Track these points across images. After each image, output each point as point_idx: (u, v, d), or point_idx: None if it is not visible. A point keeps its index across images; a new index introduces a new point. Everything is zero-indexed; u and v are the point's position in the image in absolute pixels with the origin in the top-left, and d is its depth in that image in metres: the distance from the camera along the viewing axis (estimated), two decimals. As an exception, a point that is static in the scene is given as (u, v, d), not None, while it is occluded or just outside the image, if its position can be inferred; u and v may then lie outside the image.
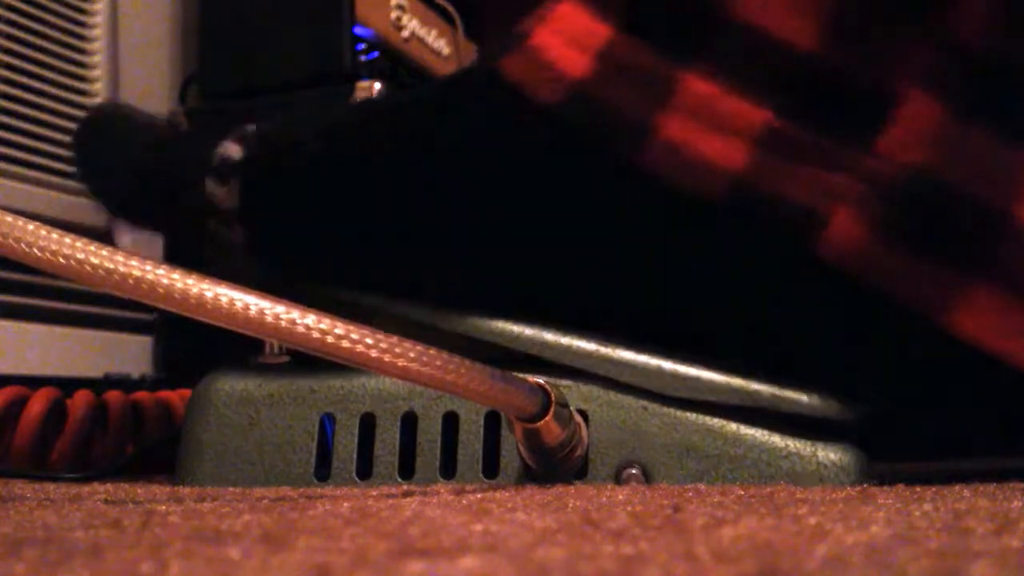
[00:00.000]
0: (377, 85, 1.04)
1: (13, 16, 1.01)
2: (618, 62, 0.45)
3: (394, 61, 1.13)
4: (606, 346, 0.45)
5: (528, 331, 0.47)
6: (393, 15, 1.14)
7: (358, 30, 1.08)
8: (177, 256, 1.00)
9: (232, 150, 0.52)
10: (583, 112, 0.45)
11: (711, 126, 0.43)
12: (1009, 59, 0.42)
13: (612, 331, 0.46)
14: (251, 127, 0.54)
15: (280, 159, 0.52)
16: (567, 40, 0.46)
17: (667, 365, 0.45)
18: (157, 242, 1.05)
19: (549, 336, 0.46)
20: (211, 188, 0.51)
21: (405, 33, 1.16)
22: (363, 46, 1.09)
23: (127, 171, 0.56)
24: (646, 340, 0.46)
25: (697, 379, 0.44)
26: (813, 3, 0.43)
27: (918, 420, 0.46)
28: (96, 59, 1.10)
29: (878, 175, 0.42)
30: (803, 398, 0.43)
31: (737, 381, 0.44)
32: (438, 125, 0.49)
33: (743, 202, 0.43)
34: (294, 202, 0.51)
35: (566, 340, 0.46)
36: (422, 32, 1.19)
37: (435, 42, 1.23)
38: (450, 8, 1.26)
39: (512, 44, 0.48)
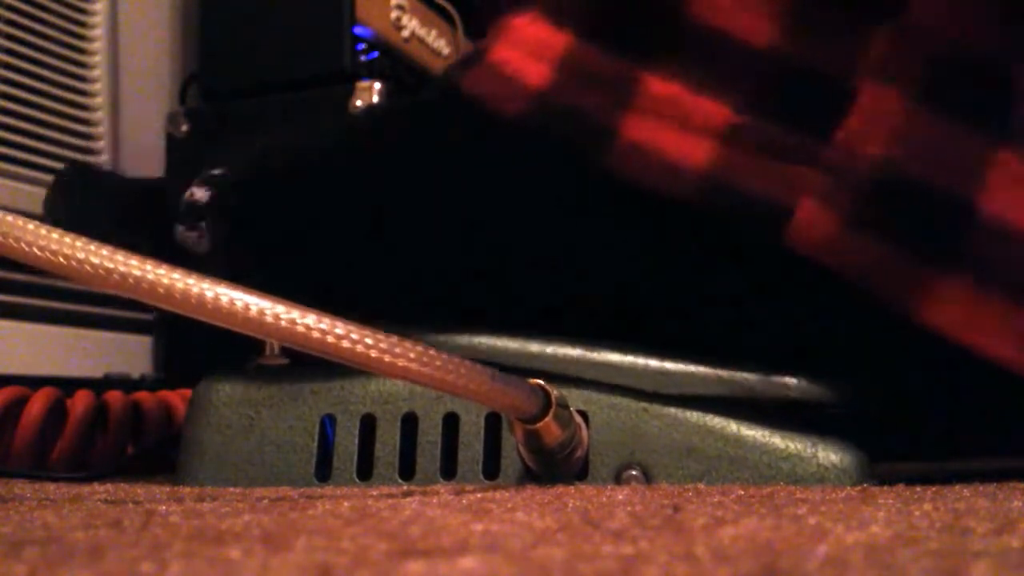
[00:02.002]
0: (377, 85, 1.04)
1: (13, 16, 1.01)
2: (578, 68, 0.45)
3: (394, 61, 1.13)
4: (592, 351, 0.46)
5: (512, 344, 0.47)
6: (393, 15, 1.14)
7: (358, 30, 1.08)
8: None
9: (199, 195, 0.52)
10: (547, 121, 0.45)
11: (674, 125, 0.44)
12: (971, 49, 0.42)
13: (597, 335, 0.46)
14: (217, 171, 0.54)
15: (249, 201, 0.52)
16: (525, 52, 0.47)
17: (654, 363, 0.45)
18: (157, 242, 1.05)
19: (534, 347, 0.47)
20: (181, 235, 0.52)
21: (405, 33, 1.16)
22: (363, 46, 1.09)
23: (95, 225, 0.56)
24: (631, 342, 0.46)
25: (686, 374, 0.45)
26: (769, 2, 0.43)
27: (908, 415, 0.46)
28: (96, 59, 1.10)
29: (839, 167, 0.42)
30: (792, 381, 0.44)
31: (725, 372, 0.44)
32: (407, 150, 0.50)
33: (709, 198, 0.43)
34: (266, 238, 0.52)
35: (551, 349, 0.46)
36: (422, 32, 1.19)
37: (435, 42, 1.23)
38: (450, 8, 1.26)
39: (472, 61, 0.49)
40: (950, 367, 0.42)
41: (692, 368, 0.45)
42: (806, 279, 0.43)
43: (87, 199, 0.58)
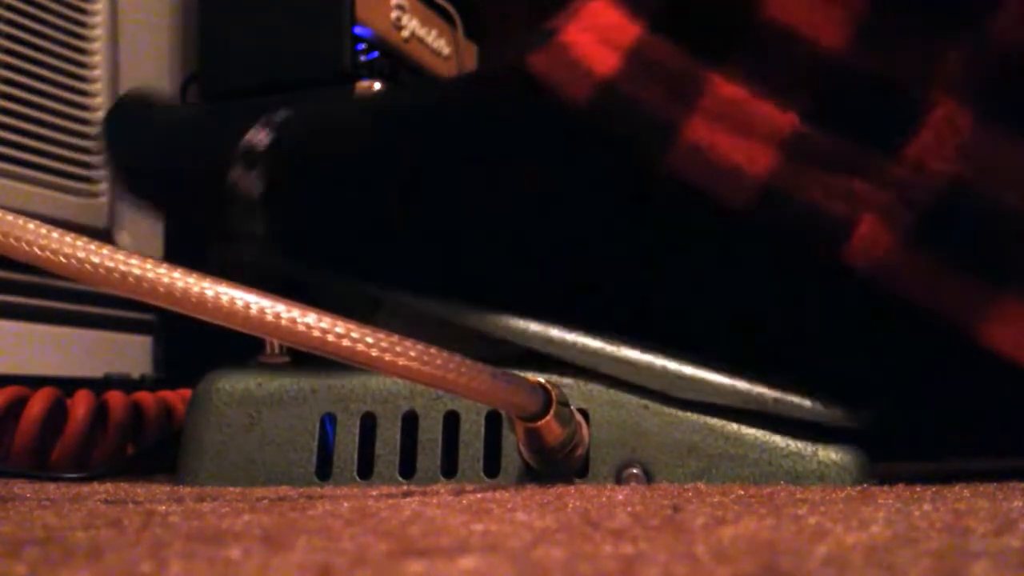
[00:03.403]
0: (377, 85, 1.04)
1: (13, 16, 1.01)
2: (647, 61, 0.44)
3: (394, 61, 1.13)
4: (612, 344, 0.45)
5: (534, 327, 0.46)
6: (393, 15, 1.14)
7: (358, 30, 1.08)
8: (180, 253, 1.00)
9: (260, 137, 0.51)
10: (610, 111, 0.44)
11: (737, 129, 0.43)
12: None
13: (622, 330, 0.46)
14: (280, 113, 0.53)
15: (310, 148, 0.52)
16: (597, 37, 0.46)
17: (672, 365, 0.44)
18: (157, 241, 1.05)
19: (555, 332, 0.46)
20: (236, 176, 0.51)
21: (405, 33, 1.16)
22: (363, 46, 1.09)
23: (152, 154, 0.56)
24: (656, 341, 0.46)
25: (702, 380, 0.44)
26: (844, 5, 0.42)
27: (929, 425, 0.46)
28: (96, 59, 1.10)
29: (906, 183, 0.41)
30: (806, 403, 0.43)
31: (742, 384, 0.44)
32: (468, 120, 0.49)
33: (768, 207, 0.42)
34: (322, 192, 0.51)
35: (571, 337, 0.46)
36: (422, 32, 1.19)
37: (435, 42, 1.23)
38: (450, 8, 1.26)
39: (540, 40, 0.47)
40: (1006, 387, 0.42)
41: (710, 376, 0.44)
42: (853, 297, 0.43)
43: (145, 127, 0.58)
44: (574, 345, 0.46)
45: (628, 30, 0.45)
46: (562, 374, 0.45)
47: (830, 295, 0.43)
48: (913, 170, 0.41)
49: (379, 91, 0.98)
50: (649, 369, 0.45)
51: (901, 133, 0.42)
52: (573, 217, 0.46)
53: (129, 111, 0.60)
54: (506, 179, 0.47)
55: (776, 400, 0.43)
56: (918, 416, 0.46)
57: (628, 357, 0.45)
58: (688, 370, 0.44)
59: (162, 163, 0.56)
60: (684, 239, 0.45)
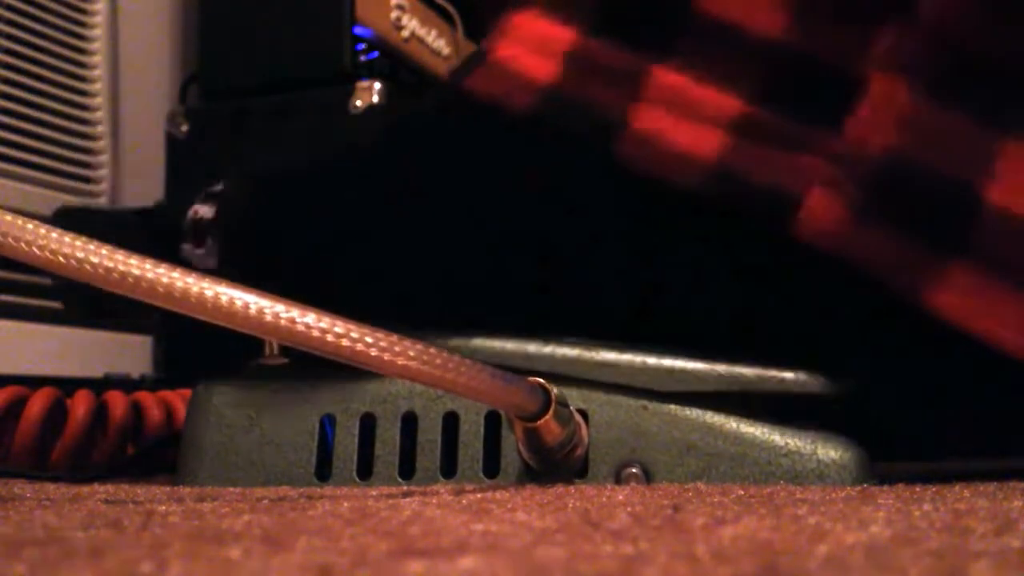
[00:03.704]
0: (377, 85, 1.04)
1: (13, 16, 1.01)
2: (586, 62, 0.46)
3: (394, 61, 1.13)
4: (590, 350, 0.46)
5: (509, 345, 0.47)
6: (393, 15, 1.14)
7: (358, 30, 1.08)
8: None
9: (203, 212, 0.52)
10: (557, 113, 0.45)
11: (683, 115, 0.44)
12: (981, 41, 0.42)
13: (597, 332, 0.46)
14: (218, 186, 0.54)
15: (253, 214, 0.53)
16: (530, 48, 0.47)
17: (651, 360, 0.45)
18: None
19: (531, 348, 0.47)
20: (188, 251, 0.52)
21: (405, 33, 1.16)
22: (363, 46, 1.09)
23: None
24: (631, 338, 0.46)
25: (683, 370, 0.45)
26: None
27: (905, 407, 0.46)
28: (96, 59, 1.10)
29: (848, 156, 0.42)
30: (788, 375, 0.44)
31: (721, 367, 0.44)
32: (414, 156, 0.50)
33: (719, 188, 0.43)
34: (273, 250, 0.52)
35: (548, 349, 0.46)
36: (422, 32, 1.19)
37: (435, 42, 1.23)
38: (450, 8, 1.26)
39: (475, 62, 0.49)
40: (955, 355, 0.42)
41: (690, 364, 0.45)
42: (810, 270, 0.43)
43: (90, 227, 0.58)
44: (552, 356, 0.46)
45: (561, 36, 0.46)
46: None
47: (786, 271, 0.44)
48: (855, 144, 0.42)
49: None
50: (629, 366, 0.45)
51: (841, 109, 0.43)
52: (537, 221, 0.47)
53: (71, 216, 0.61)
54: (460, 202, 0.48)
55: (758, 376, 0.44)
56: (887, 389, 0.46)
57: (607, 360, 0.46)
58: (667, 362, 0.45)
59: None
60: (644, 229, 0.46)
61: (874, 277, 0.42)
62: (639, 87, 0.44)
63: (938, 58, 0.42)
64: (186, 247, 0.52)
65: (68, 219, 0.60)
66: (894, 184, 0.42)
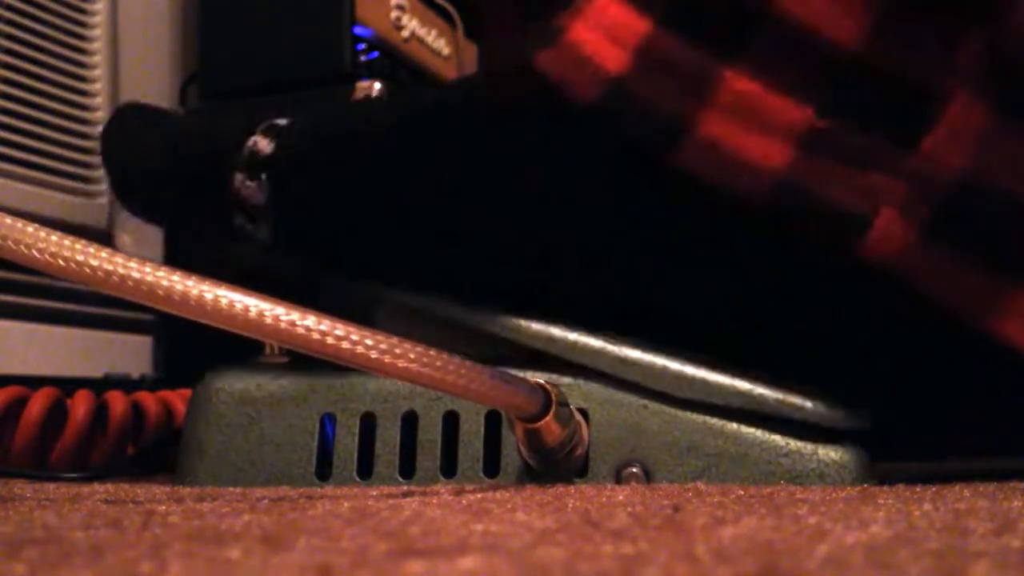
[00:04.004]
0: (377, 85, 1.04)
1: (13, 16, 1.01)
2: (657, 58, 0.44)
3: (394, 61, 1.13)
4: (613, 344, 0.45)
5: (536, 326, 0.46)
6: (393, 15, 1.14)
7: (358, 30, 1.08)
8: (178, 256, 1.00)
9: (262, 144, 0.51)
10: (621, 109, 0.44)
11: (752, 124, 0.42)
12: None
13: (630, 329, 0.46)
14: (281, 120, 0.53)
15: (316, 155, 0.51)
16: (605, 35, 0.45)
17: (674, 365, 0.44)
18: (157, 244, 1.05)
19: (556, 331, 0.46)
20: (239, 183, 0.51)
21: (405, 33, 1.16)
22: (363, 46, 1.09)
23: (152, 162, 0.56)
24: (664, 339, 0.45)
25: (703, 381, 0.44)
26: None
27: (931, 425, 0.46)
28: (96, 59, 1.10)
29: (922, 176, 0.41)
30: (808, 404, 0.43)
31: (743, 384, 0.44)
32: (477, 121, 0.48)
33: (784, 202, 0.42)
34: (326, 197, 0.51)
35: (573, 336, 0.46)
36: (422, 32, 1.19)
37: (435, 42, 1.23)
38: (450, 8, 1.26)
39: (547, 38, 0.47)
40: (1012, 382, 0.42)
41: (712, 376, 0.44)
42: (867, 291, 0.42)
43: (146, 135, 0.57)
44: (575, 344, 0.46)
45: (636, 27, 0.44)
46: (561, 374, 0.45)
47: (842, 291, 0.43)
48: (929, 163, 0.41)
49: (381, 96, 0.97)
50: (651, 369, 0.45)
51: (917, 127, 0.41)
52: (582, 215, 0.46)
53: (128, 121, 0.60)
54: (515, 178, 0.47)
55: (778, 401, 0.43)
56: (922, 416, 0.46)
57: (630, 357, 0.45)
58: (690, 370, 0.44)
59: (162, 171, 0.55)
60: (695, 236, 0.45)
61: (938, 302, 0.41)
62: (709, 91, 0.43)
63: (1020, 78, 0.41)
64: (238, 176, 0.51)
65: (121, 123, 0.60)
66: (966, 206, 0.41)
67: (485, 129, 0.48)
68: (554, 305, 0.47)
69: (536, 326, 0.46)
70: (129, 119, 0.60)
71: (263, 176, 0.50)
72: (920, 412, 0.46)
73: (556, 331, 0.46)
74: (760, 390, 0.43)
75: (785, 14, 0.43)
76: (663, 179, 0.44)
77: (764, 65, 0.42)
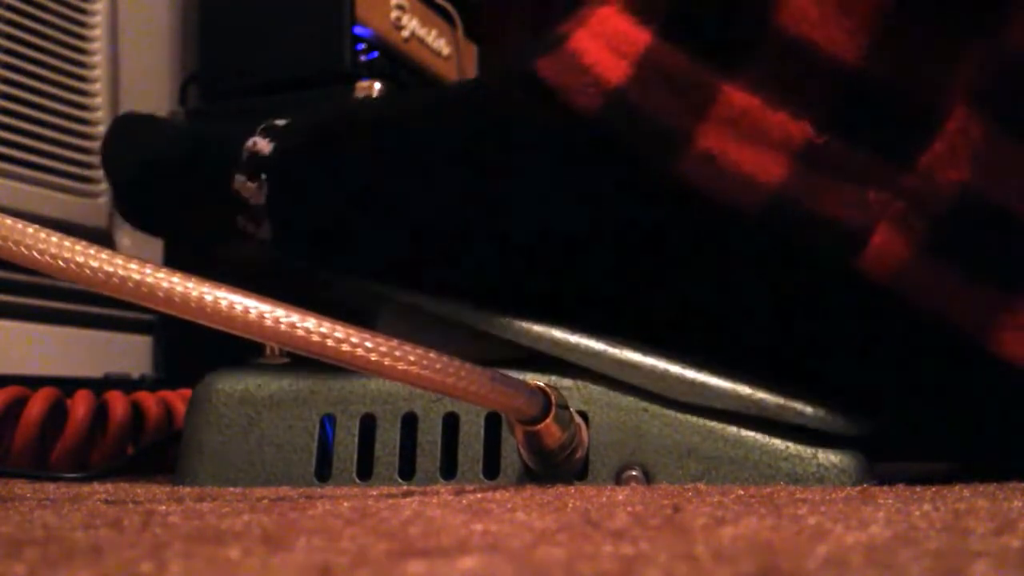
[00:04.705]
0: (377, 85, 1.04)
1: (13, 16, 1.01)
2: (657, 70, 0.44)
3: (394, 61, 1.13)
4: (614, 347, 0.45)
5: (537, 328, 0.46)
6: (393, 15, 1.14)
7: (358, 30, 1.08)
8: (178, 258, 1.00)
9: (261, 145, 0.51)
10: (620, 119, 0.44)
11: (750, 138, 0.42)
12: None
13: (629, 333, 0.46)
14: (279, 121, 0.53)
15: (315, 155, 0.52)
16: (606, 45, 0.45)
17: (675, 369, 0.44)
18: (157, 244, 1.05)
19: (558, 334, 0.46)
20: (240, 184, 0.51)
21: (405, 33, 1.16)
22: (363, 46, 1.09)
23: (151, 171, 0.56)
24: (662, 344, 0.45)
25: (704, 385, 0.44)
26: (859, 15, 0.42)
27: (931, 432, 0.46)
28: (96, 59, 1.10)
29: (920, 192, 0.41)
30: (808, 410, 0.43)
31: (744, 389, 0.43)
32: (475, 125, 0.48)
33: (781, 216, 0.42)
34: (324, 195, 0.51)
35: (575, 339, 0.46)
36: (422, 32, 1.20)
37: (435, 42, 1.23)
38: (450, 8, 1.26)
39: (549, 45, 0.47)
40: (1013, 396, 0.42)
41: (713, 380, 0.44)
42: (863, 305, 0.42)
43: (146, 142, 0.57)
44: (577, 347, 0.46)
45: (637, 38, 0.45)
46: (562, 376, 0.45)
47: (840, 304, 0.43)
48: (927, 179, 0.41)
49: (380, 97, 0.98)
50: (652, 372, 0.45)
51: (915, 142, 0.41)
52: (580, 222, 0.46)
53: (126, 129, 0.60)
54: (514, 183, 0.47)
55: (779, 406, 0.43)
56: (921, 424, 0.45)
57: (631, 360, 0.45)
58: (691, 374, 0.44)
59: (164, 176, 0.55)
60: (692, 246, 0.45)
61: (936, 316, 0.41)
62: (708, 104, 0.43)
63: (1017, 94, 0.41)
64: (239, 179, 0.51)
65: (121, 130, 0.60)
66: (964, 221, 0.41)
67: (484, 132, 0.48)
68: (553, 308, 0.47)
69: (537, 328, 0.46)
70: (128, 128, 0.60)
71: (263, 176, 0.51)
72: (920, 422, 0.45)
73: (557, 333, 0.46)
74: (760, 395, 0.43)
75: (785, 30, 0.43)
76: (661, 190, 0.44)
77: (763, 80, 0.43)
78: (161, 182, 0.56)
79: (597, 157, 0.45)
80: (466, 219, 0.48)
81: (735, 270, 0.44)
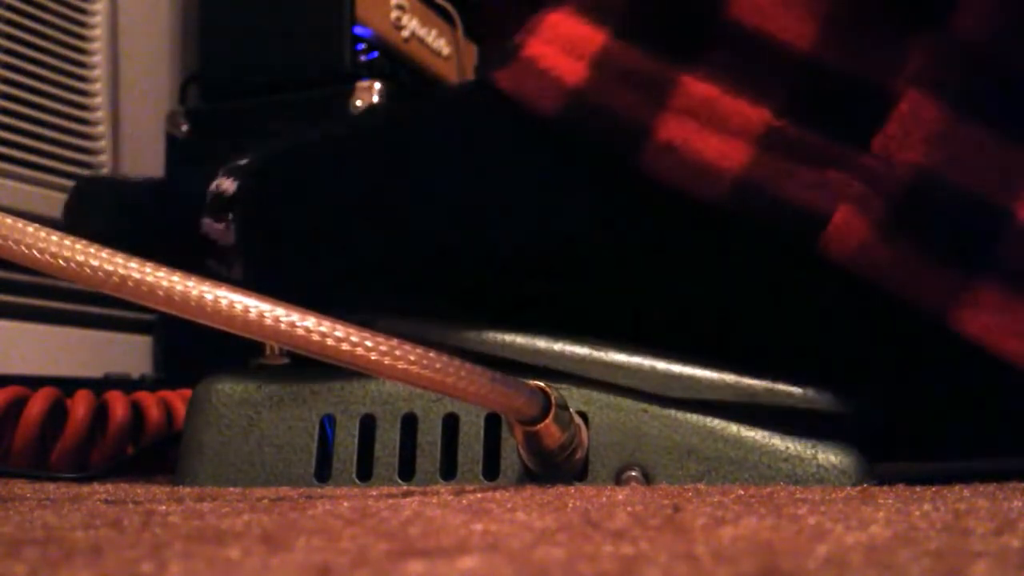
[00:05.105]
0: (377, 85, 1.04)
1: (13, 16, 1.01)
2: (614, 67, 0.45)
3: (394, 61, 1.13)
4: (599, 350, 0.46)
5: (520, 339, 0.47)
6: (393, 15, 1.14)
7: (358, 30, 1.08)
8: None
9: (225, 185, 0.51)
10: (582, 119, 0.45)
11: (710, 126, 0.43)
12: (1009, 57, 0.42)
13: (611, 335, 0.46)
14: (241, 161, 0.53)
15: (278, 189, 0.52)
16: (561, 48, 0.46)
17: (660, 365, 0.45)
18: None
19: (541, 343, 0.46)
20: (207, 227, 0.51)
21: (405, 33, 1.16)
22: (363, 46, 1.09)
23: (119, 223, 0.55)
24: (645, 343, 0.46)
25: (691, 377, 0.44)
26: (808, 4, 0.43)
27: (918, 421, 0.46)
28: (96, 59, 1.10)
29: (877, 173, 0.42)
30: (796, 391, 0.44)
31: (731, 377, 0.44)
32: (439, 143, 0.49)
33: (744, 202, 0.43)
34: (293, 231, 0.51)
35: (558, 346, 0.46)
36: (422, 32, 1.20)
37: (435, 42, 1.23)
38: (450, 8, 1.26)
39: (506, 56, 0.48)
40: (976, 375, 0.42)
41: (699, 372, 0.44)
42: (832, 287, 0.43)
43: (106, 205, 0.57)
44: (562, 354, 0.46)
45: (592, 39, 0.46)
46: (556, 381, 0.45)
47: (809, 287, 0.44)
48: (883, 161, 0.42)
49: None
50: (639, 370, 0.45)
51: (869, 125, 0.42)
52: (553, 223, 0.47)
53: (87, 192, 0.60)
54: (487, 196, 0.48)
55: (767, 390, 0.44)
56: (905, 412, 0.46)
57: (616, 361, 0.45)
58: (677, 368, 0.45)
59: (131, 228, 0.55)
60: (664, 238, 0.45)
61: (898, 297, 0.42)
62: (666, 95, 0.44)
63: (968, 74, 0.42)
64: (206, 221, 0.51)
65: (82, 194, 0.60)
66: (920, 201, 0.42)
67: (449, 150, 0.49)
68: (532, 314, 0.47)
69: (521, 340, 0.47)
70: (88, 190, 0.60)
71: (229, 216, 0.51)
72: (902, 408, 0.46)
73: (541, 343, 0.46)
74: (748, 380, 0.44)
75: (738, 21, 0.44)
76: (628, 184, 0.44)
77: (721, 69, 0.44)
78: (127, 239, 0.55)
79: (564, 158, 0.46)
80: (443, 237, 0.48)
81: (707, 261, 0.45)
